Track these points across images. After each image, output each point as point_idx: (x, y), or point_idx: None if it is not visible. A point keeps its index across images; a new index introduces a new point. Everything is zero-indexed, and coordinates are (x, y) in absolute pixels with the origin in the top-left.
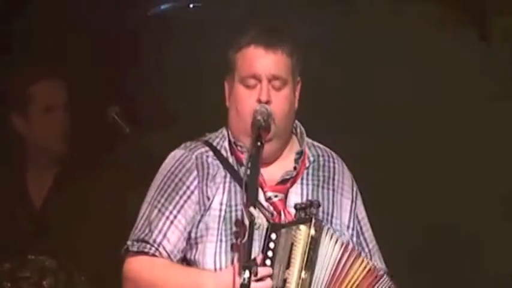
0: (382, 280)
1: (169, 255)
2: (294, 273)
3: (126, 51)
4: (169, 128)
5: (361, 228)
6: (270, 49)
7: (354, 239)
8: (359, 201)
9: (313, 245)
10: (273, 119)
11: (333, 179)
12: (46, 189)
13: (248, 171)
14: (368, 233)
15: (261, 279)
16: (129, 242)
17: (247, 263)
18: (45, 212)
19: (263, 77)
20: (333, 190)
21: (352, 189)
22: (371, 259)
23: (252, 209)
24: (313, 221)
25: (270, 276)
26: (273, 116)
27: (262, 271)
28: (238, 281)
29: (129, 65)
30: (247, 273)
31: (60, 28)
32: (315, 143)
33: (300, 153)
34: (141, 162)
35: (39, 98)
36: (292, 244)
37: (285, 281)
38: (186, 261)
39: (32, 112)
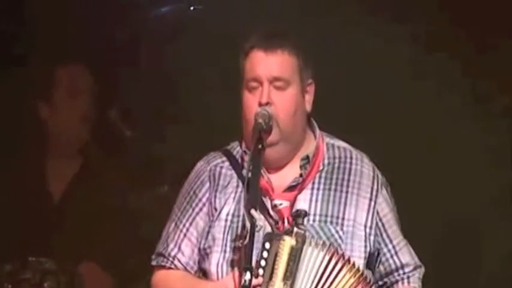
0: None
1: (185, 267)
2: (276, 283)
3: (126, 52)
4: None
5: (383, 225)
6: (269, 51)
7: (372, 238)
8: (380, 199)
9: (294, 256)
10: (276, 121)
11: (348, 180)
12: (66, 182)
13: (249, 174)
14: (392, 229)
15: None
16: (152, 256)
17: (248, 265)
18: (63, 206)
19: (263, 79)
20: (347, 192)
21: (372, 188)
22: (396, 255)
23: (253, 211)
24: (295, 231)
25: (260, 286)
26: (276, 118)
27: (253, 282)
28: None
29: (129, 67)
30: (248, 275)
31: (60, 27)
32: (336, 143)
33: (306, 159)
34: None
35: (63, 82)
36: (276, 255)
37: None
38: (201, 271)
39: (56, 96)
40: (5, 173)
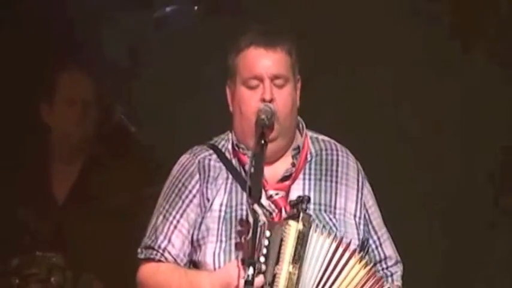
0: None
1: (175, 260)
2: (283, 268)
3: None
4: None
5: (369, 216)
6: (269, 48)
7: (362, 227)
8: (366, 190)
9: (301, 239)
10: (277, 118)
11: (336, 171)
12: (69, 185)
13: (252, 170)
14: (376, 221)
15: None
16: (139, 250)
17: (251, 260)
18: (66, 208)
19: (265, 77)
20: (336, 182)
21: (358, 180)
22: (380, 246)
23: (256, 206)
24: (301, 215)
25: (263, 273)
26: (277, 115)
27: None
28: (235, 276)
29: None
30: (251, 270)
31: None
32: (320, 137)
33: (297, 149)
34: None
35: (63, 90)
36: (281, 240)
37: (274, 276)
38: (192, 263)
39: (57, 102)
40: (12, 174)
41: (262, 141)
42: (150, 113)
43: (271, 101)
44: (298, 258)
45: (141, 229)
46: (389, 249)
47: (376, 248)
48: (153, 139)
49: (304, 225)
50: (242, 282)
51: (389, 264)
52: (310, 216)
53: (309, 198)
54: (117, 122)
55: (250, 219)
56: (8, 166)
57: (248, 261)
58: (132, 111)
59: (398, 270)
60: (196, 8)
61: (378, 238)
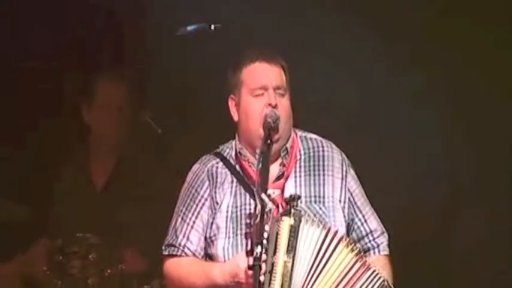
0: (371, 270)
1: (193, 254)
2: (279, 257)
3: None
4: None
5: (353, 198)
6: (272, 63)
7: (346, 210)
8: (349, 177)
9: (293, 232)
10: (280, 121)
11: (323, 165)
12: (107, 174)
13: (260, 165)
14: (360, 201)
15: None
16: (162, 247)
17: (259, 240)
18: (104, 195)
19: (269, 87)
20: (324, 175)
21: (342, 169)
22: (365, 222)
23: (263, 195)
24: (292, 211)
25: (265, 261)
26: (280, 119)
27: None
28: (241, 266)
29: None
30: (259, 248)
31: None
32: (308, 135)
33: (286, 150)
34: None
35: (101, 95)
36: (277, 233)
37: (273, 264)
38: (208, 256)
39: (95, 106)
40: (58, 166)
41: (269, 141)
42: (174, 116)
43: (275, 106)
44: (291, 249)
45: (167, 212)
46: (374, 223)
47: (362, 224)
48: (175, 140)
49: (295, 219)
50: (244, 269)
51: (375, 236)
52: (300, 211)
53: (299, 197)
54: (145, 124)
55: (257, 211)
56: (54, 161)
57: (256, 241)
58: (158, 115)
59: (384, 241)
60: (213, 27)
61: (363, 216)
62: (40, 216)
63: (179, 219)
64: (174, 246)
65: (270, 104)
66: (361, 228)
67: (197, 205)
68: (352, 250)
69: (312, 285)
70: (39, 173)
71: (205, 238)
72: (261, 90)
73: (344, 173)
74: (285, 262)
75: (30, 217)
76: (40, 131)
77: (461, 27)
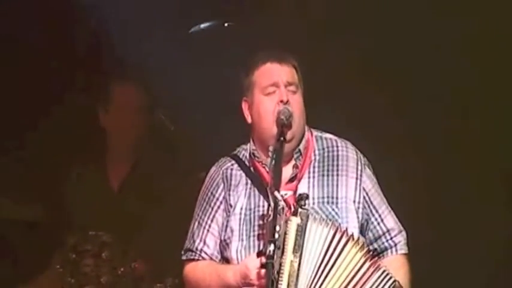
0: (381, 271)
1: (211, 258)
2: (287, 257)
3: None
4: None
5: (369, 198)
6: (283, 63)
7: (361, 210)
8: (365, 177)
9: (300, 232)
10: (293, 118)
11: (337, 165)
12: (123, 175)
13: (273, 163)
14: (377, 201)
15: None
16: (182, 252)
17: (272, 239)
18: (120, 195)
19: (280, 84)
20: (337, 175)
21: (357, 169)
22: (382, 222)
23: (276, 193)
24: (299, 211)
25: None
26: (293, 115)
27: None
28: (251, 267)
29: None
30: (272, 246)
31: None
32: (324, 135)
33: (298, 152)
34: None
35: (117, 98)
36: (285, 233)
37: (281, 264)
38: (225, 259)
39: (112, 109)
40: (75, 168)
41: (282, 139)
42: (187, 114)
43: (287, 102)
44: (298, 248)
45: (183, 212)
46: (391, 222)
47: (378, 224)
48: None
49: (302, 219)
50: (255, 270)
51: (392, 235)
52: (308, 210)
53: (307, 196)
54: (159, 122)
55: (270, 211)
56: (72, 162)
57: (269, 240)
58: (171, 112)
59: (402, 239)
60: (226, 25)
61: (379, 215)
62: (54, 216)
63: (196, 223)
64: (192, 250)
65: (281, 101)
66: (378, 228)
67: (212, 208)
68: (362, 250)
69: (321, 285)
70: (53, 172)
71: (221, 241)
72: (273, 87)
73: (359, 173)
74: (291, 262)
75: (44, 217)
76: (53, 130)
77: None
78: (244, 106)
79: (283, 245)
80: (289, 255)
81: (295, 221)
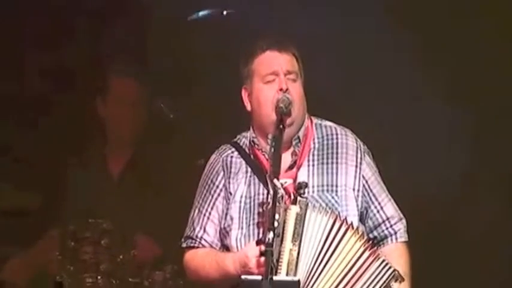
0: (380, 260)
1: (210, 245)
2: (286, 246)
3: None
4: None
5: (368, 186)
6: (283, 51)
7: (360, 198)
8: (364, 164)
9: (299, 220)
10: (293, 106)
11: (337, 153)
12: (123, 165)
13: (272, 150)
14: (376, 189)
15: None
16: (182, 240)
17: (271, 226)
18: (120, 184)
19: (280, 72)
20: (337, 163)
21: (357, 157)
22: (382, 209)
23: (275, 180)
24: (298, 199)
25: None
26: (292, 104)
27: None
28: (250, 255)
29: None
30: (271, 234)
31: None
32: (323, 123)
33: (297, 139)
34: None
35: (114, 90)
36: (284, 222)
37: (280, 253)
38: (225, 247)
39: (110, 101)
40: (75, 157)
41: (281, 126)
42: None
43: (286, 90)
44: (297, 237)
45: (182, 200)
46: (390, 210)
47: (378, 211)
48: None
49: (301, 207)
50: (254, 258)
51: (392, 222)
52: (307, 199)
53: (307, 184)
54: (158, 110)
55: (269, 199)
56: (71, 151)
57: (268, 227)
58: (170, 100)
59: (401, 227)
60: (225, 13)
61: (379, 203)
62: (53, 205)
63: (196, 210)
64: (192, 238)
65: (281, 89)
66: (377, 216)
67: (213, 196)
68: (361, 239)
69: (319, 274)
70: (53, 161)
71: (221, 229)
72: (272, 76)
73: (359, 160)
74: (290, 250)
75: (43, 205)
76: (52, 119)
77: None
78: (244, 94)
79: (283, 233)
80: (288, 244)
81: (294, 210)
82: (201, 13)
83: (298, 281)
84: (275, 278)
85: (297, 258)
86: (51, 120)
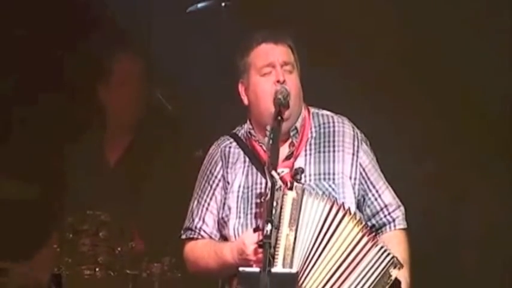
0: (379, 246)
1: (210, 236)
2: (283, 231)
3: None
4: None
5: (366, 174)
6: (278, 43)
7: (357, 186)
8: (361, 152)
9: (296, 205)
10: (290, 98)
11: (333, 141)
12: (120, 152)
13: (270, 142)
14: (374, 176)
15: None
16: (181, 231)
17: (269, 218)
18: (117, 171)
19: (276, 63)
20: (334, 151)
21: (354, 144)
22: (380, 197)
23: (273, 172)
24: (295, 185)
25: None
26: (291, 95)
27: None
28: (247, 242)
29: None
30: (269, 226)
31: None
32: (320, 112)
33: (295, 130)
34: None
35: (116, 75)
36: (281, 208)
37: (277, 238)
38: (223, 237)
39: (112, 86)
40: (71, 143)
41: (279, 118)
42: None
43: (284, 82)
44: (293, 222)
45: (180, 191)
46: (388, 197)
47: (376, 199)
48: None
49: (297, 193)
50: (251, 246)
51: (390, 210)
52: (303, 184)
53: (303, 170)
54: (157, 101)
55: (267, 189)
56: (69, 137)
57: (266, 219)
58: (169, 91)
59: (400, 214)
60: (223, 4)
61: (377, 191)
62: (51, 194)
63: (195, 201)
64: (191, 229)
65: (278, 81)
66: (375, 203)
67: (211, 186)
68: (359, 224)
69: (317, 259)
70: (49, 150)
71: (219, 219)
72: (269, 67)
73: (356, 148)
74: (287, 235)
75: (40, 195)
76: (48, 107)
77: None
78: (241, 88)
79: (279, 218)
80: (284, 229)
81: (290, 195)
82: (199, 5)
83: (296, 273)
84: (273, 270)
85: (294, 243)
86: (50, 108)
